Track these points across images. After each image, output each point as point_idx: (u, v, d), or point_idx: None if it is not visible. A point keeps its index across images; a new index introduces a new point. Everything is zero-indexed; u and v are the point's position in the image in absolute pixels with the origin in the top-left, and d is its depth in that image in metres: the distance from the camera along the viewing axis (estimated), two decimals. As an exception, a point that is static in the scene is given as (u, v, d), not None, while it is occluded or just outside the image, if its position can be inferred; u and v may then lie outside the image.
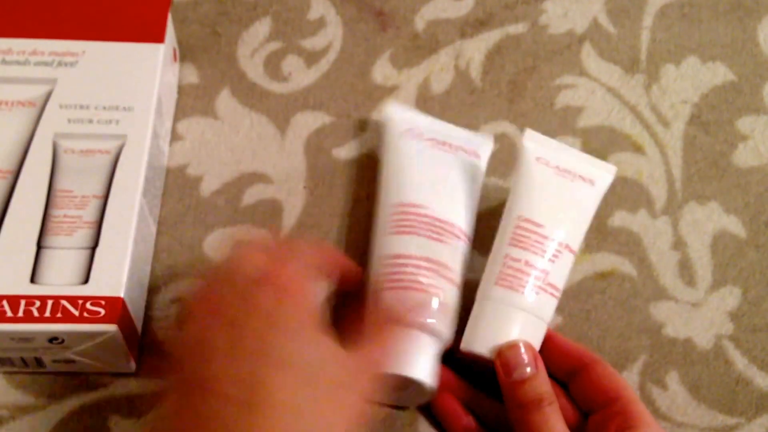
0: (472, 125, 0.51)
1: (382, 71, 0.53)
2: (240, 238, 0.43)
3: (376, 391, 0.36)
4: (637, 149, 0.51)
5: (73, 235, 0.42)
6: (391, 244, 0.43)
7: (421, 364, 0.40)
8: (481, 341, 0.41)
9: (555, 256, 0.42)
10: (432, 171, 0.45)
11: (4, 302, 0.40)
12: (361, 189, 0.49)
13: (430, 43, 0.54)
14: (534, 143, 0.44)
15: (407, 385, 0.40)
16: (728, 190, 0.50)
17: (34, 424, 0.42)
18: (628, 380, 0.44)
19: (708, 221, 0.49)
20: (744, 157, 0.51)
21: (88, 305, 0.40)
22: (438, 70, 0.53)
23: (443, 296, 0.42)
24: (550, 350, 0.42)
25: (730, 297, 0.47)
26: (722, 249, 0.48)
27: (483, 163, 0.47)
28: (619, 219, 0.49)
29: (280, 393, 0.31)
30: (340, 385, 0.33)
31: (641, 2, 0.56)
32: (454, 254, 0.43)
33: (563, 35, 0.55)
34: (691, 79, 0.53)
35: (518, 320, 0.41)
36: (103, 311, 0.40)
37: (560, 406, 0.41)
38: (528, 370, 0.39)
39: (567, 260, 0.42)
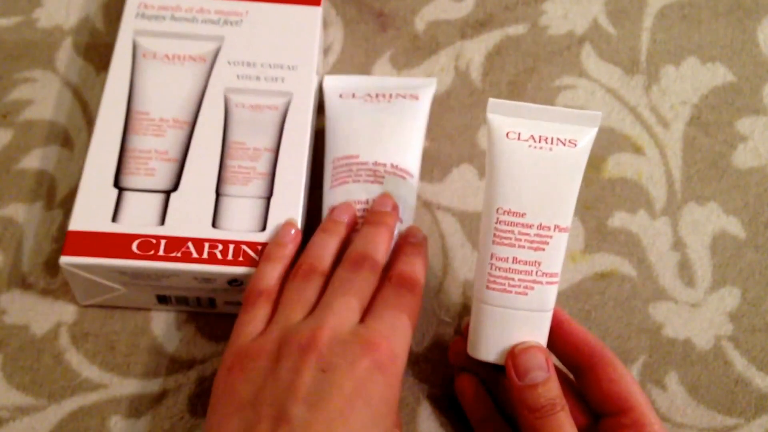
0: (472, 126, 0.51)
1: (382, 72, 0.53)
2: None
3: None
4: (637, 150, 0.51)
5: (249, 185, 0.44)
6: (330, 196, 0.45)
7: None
8: (486, 347, 0.39)
9: (544, 242, 0.38)
10: (365, 122, 0.47)
11: (189, 244, 0.42)
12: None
13: (430, 44, 0.54)
14: (501, 115, 0.39)
15: None
16: (728, 190, 0.50)
17: (34, 424, 0.42)
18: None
19: (707, 222, 0.49)
20: (743, 157, 0.51)
21: None
22: (438, 71, 0.53)
23: None
24: (559, 338, 0.41)
25: (730, 297, 0.47)
26: (721, 249, 0.48)
27: (424, 102, 0.49)
28: (618, 219, 0.49)
29: None
30: None
31: (641, 3, 0.56)
32: (393, 192, 0.45)
33: (563, 36, 0.55)
34: (690, 80, 0.53)
35: (519, 321, 0.39)
36: None
37: (569, 407, 0.40)
38: (541, 373, 0.38)
39: (559, 241, 0.39)
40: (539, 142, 0.39)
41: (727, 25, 0.55)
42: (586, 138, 0.39)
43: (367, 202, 0.44)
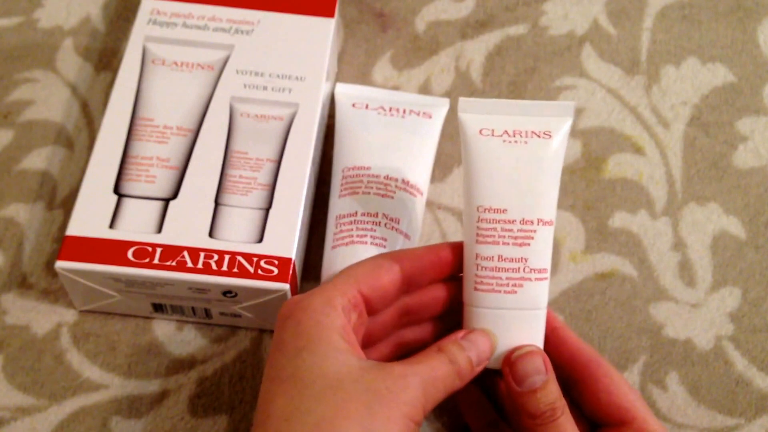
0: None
1: (382, 72, 0.53)
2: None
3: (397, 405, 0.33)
4: (638, 150, 0.51)
5: (249, 195, 0.44)
6: (340, 205, 0.45)
7: None
8: None
9: (529, 237, 0.37)
10: (378, 135, 0.47)
11: (185, 253, 0.42)
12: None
13: (431, 45, 0.54)
14: (472, 114, 0.39)
15: None
16: (728, 191, 0.50)
17: (35, 425, 0.42)
18: (628, 381, 0.43)
19: (708, 222, 0.49)
20: (744, 158, 0.51)
21: (262, 263, 0.42)
22: (438, 71, 0.53)
23: (392, 248, 0.43)
24: (552, 347, 0.40)
25: (730, 298, 0.47)
26: (722, 250, 0.48)
27: (437, 122, 0.49)
28: (619, 220, 0.49)
29: (274, 404, 0.33)
30: (341, 393, 0.33)
31: (641, 3, 0.56)
32: (402, 207, 0.45)
33: (563, 36, 0.55)
34: (691, 81, 0.53)
35: (512, 321, 0.38)
36: (276, 270, 0.42)
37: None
38: (539, 378, 0.36)
39: (545, 236, 0.38)
40: (513, 136, 0.38)
41: (727, 25, 0.55)
42: (562, 129, 0.38)
43: (376, 215, 0.44)
